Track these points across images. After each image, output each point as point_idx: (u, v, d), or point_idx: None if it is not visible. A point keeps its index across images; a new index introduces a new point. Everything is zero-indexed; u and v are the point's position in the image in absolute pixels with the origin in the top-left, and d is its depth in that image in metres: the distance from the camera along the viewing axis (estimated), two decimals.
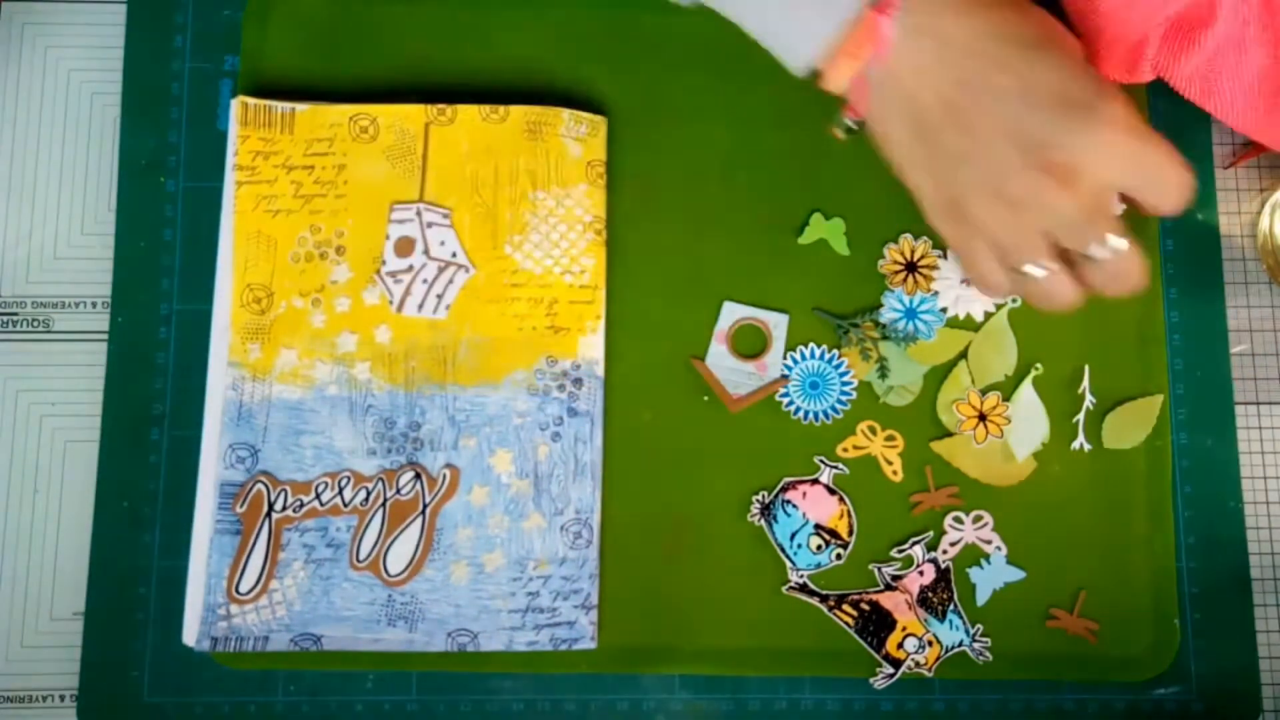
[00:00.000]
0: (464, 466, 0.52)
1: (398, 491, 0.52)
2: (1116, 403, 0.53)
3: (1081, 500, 0.53)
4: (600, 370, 0.53)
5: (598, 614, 0.52)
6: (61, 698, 0.53)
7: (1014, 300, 0.54)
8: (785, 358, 0.53)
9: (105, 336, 0.54)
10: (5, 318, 0.55)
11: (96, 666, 0.52)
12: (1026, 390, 0.53)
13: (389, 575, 0.52)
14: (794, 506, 0.53)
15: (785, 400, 0.53)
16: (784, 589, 0.52)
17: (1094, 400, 0.53)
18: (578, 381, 0.53)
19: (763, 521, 0.53)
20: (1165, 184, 0.43)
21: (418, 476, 0.52)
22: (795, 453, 0.53)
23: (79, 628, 0.52)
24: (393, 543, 0.52)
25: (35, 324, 0.55)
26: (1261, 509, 0.54)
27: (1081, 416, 0.53)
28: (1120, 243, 0.44)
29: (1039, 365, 0.54)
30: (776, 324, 0.53)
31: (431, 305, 0.53)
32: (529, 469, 0.52)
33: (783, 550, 0.52)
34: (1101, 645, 0.52)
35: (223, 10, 0.56)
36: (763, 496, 0.53)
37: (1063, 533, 0.53)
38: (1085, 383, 0.54)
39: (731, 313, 0.53)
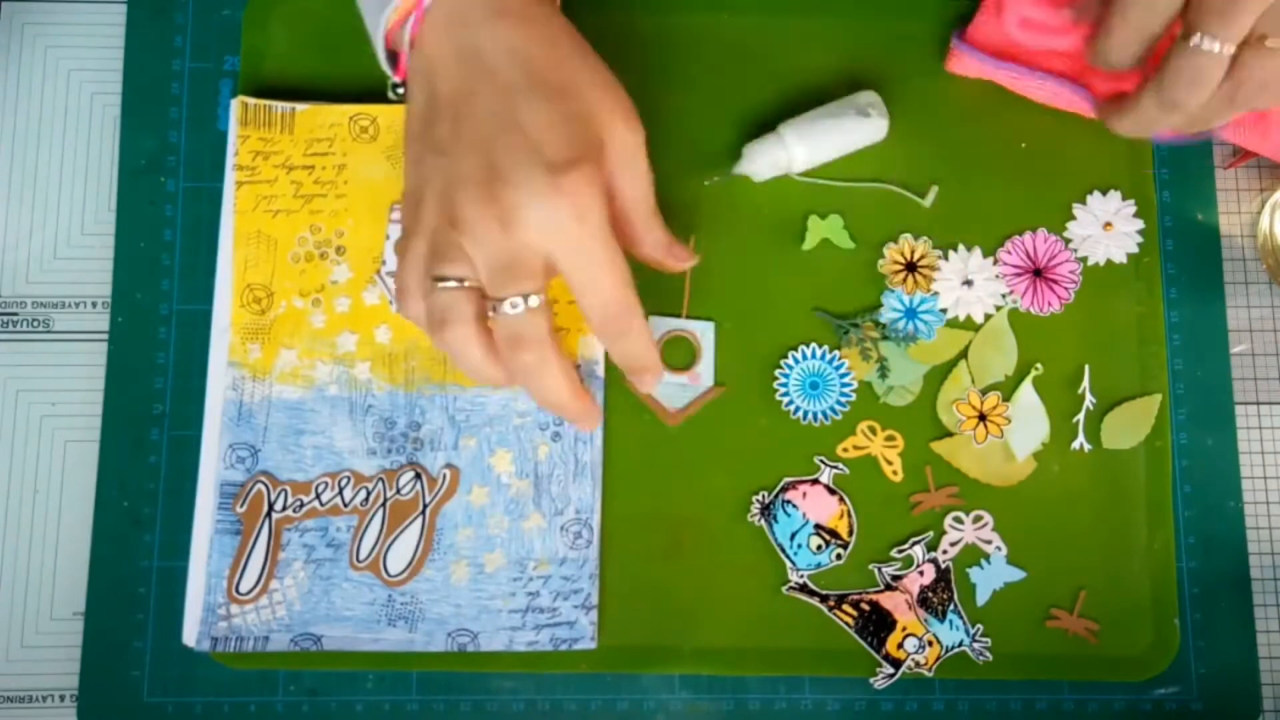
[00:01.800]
0: (464, 466, 0.52)
1: (398, 491, 0.52)
2: (1116, 403, 0.53)
3: (1082, 500, 0.53)
4: (600, 370, 0.53)
5: (598, 614, 0.52)
6: (61, 698, 0.53)
7: (1010, 305, 0.54)
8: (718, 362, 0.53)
9: (105, 336, 0.54)
10: (5, 318, 0.55)
11: (96, 666, 0.52)
12: (1026, 390, 0.53)
13: (389, 575, 0.52)
14: (794, 506, 0.53)
15: (785, 400, 0.53)
16: (784, 589, 0.52)
17: (1094, 400, 0.53)
18: None
19: (763, 521, 0.53)
20: (595, 289, 0.43)
21: (418, 476, 0.52)
22: (795, 453, 0.53)
23: (79, 628, 0.52)
24: (393, 543, 0.52)
25: (35, 324, 0.55)
26: (1261, 509, 0.54)
27: (1081, 416, 0.53)
28: (517, 312, 0.42)
29: (1039, 365, 0.54)
30: (704, 333, 0.53)
31: None
32: (529, 469, 0.52)
33: (783, 550, 0.52)
34: (1102, 645, 0.52)
35: (223, 10, 0.56)
36: (763, 496, 0.53)
37: (1063, 533, 0.53)
38: (1085, 383, 0.54)
39: (657, 326, 0.53)
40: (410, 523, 0.52)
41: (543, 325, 0.43)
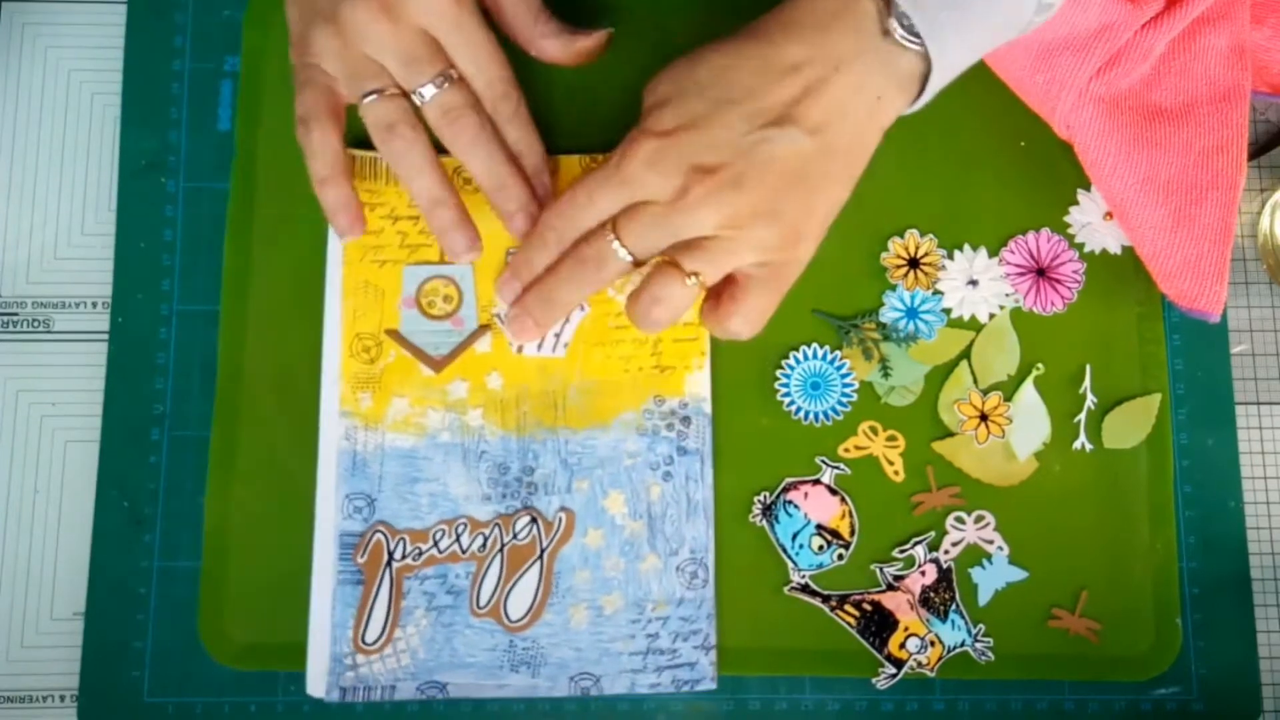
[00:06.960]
0: (578, 509, 0.52)
1: (514, 536, 0.52)
2: (1117, 402, 0.54)
3: (1083, 500, 0.53)
4: (708, 407, 0.53)
5: (716, 654, 0.51)
6: (61, 698, 0.53)
7: (1013, 304, 0.54)
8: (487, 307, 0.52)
9: (105, 336, 0.54)
10: (5, 318, 0.55)
11: (96, 666, 0.52)
12: (1028, 390, 0.53)
13: (510, 621, 0.51)
14: (795, 507, 0.53)
15: (786, 400, 0.53)
16: (786, 589, 0.52)
17: (1095, 400, 0.53)
18: (686, 420, 0.53)
19: (764, 522, 0.53)
20: (479, 67, 0.47)
21: (533, 521, 0.52)
22: (796, 453, 0.53)
23: (79, 628, 0.52)
24: (512, 588, 0.51)
25: (35, 324, 0.55)
26: (1261, 509, 0.54)
27: (1083, 416, 0.53)
28: (432, 90, 0.47)
29: (1040, 365, 0.54)
30: (463, 276, 0.53)
31: (550, 344, 0.53)
32: (642, 509, 0.52)
33: (784, 551, 0.52)
34: (1103, 645, 0.52)
35: (223, 10, 0.56)
36: (764, 497, 0.53)
37: (1064, 533, 0.53)
38: (1086, 382, 0.54)
39: (415, 276, 0.53)
40: (529, 567, 0.52)
41: (468, 94, 0.47)
